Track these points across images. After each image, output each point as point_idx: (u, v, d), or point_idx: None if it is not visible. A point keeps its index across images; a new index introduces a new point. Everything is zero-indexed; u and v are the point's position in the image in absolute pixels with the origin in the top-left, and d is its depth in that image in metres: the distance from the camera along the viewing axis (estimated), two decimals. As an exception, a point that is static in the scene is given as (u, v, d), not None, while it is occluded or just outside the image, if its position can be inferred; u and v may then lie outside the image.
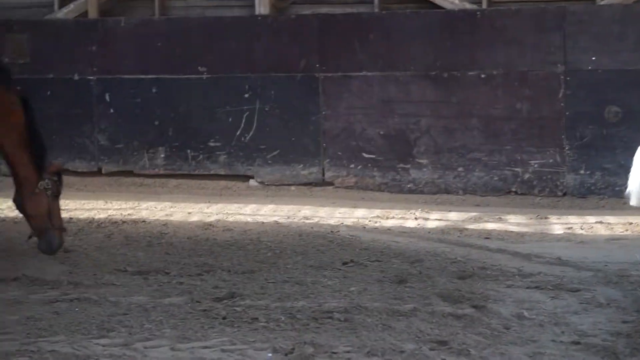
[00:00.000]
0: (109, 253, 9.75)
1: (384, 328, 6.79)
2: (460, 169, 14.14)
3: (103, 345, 6.34)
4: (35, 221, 9.25)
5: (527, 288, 8.23)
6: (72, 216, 12.17)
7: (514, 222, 12.13)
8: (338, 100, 14.43)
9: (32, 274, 8.53)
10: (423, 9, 14.84)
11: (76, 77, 15.08)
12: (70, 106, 15.11)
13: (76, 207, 13.07)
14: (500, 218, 12.31)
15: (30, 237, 9.40)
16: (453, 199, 13.90)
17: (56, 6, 16.25)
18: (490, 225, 11.80)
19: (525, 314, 7.27)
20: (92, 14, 15.85)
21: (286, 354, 6.15)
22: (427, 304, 7.49)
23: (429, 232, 11.30)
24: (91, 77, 15.07)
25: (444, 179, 14.22)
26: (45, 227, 9.23)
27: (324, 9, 15.37)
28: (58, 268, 8.91)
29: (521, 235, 11.18)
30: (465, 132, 14.14)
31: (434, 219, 12.33)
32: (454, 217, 12.48)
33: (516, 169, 13.94)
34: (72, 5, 16.08)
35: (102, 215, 12.27)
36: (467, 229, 11.52)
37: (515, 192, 13.94)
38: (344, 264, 9.16)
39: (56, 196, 9.35)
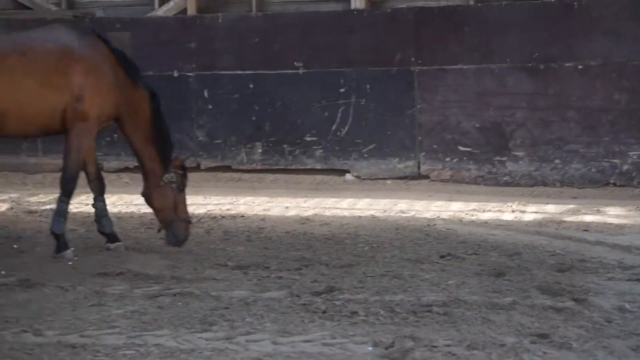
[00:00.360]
0: (209, 248, 9.86)
1: (484, 321, 6.77)
2: (557, 161, 14.01)
3: (206, 339, 6.41)
4: (161, 214, 9.57)
5: (628, 280, 8.14)
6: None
7: (613, 214, 11.98)
8: (433, 93, 14.41)
9: (136, 268, 8.65)
10: (519, 1, 14.73)
11: (175, 73, 15.30)
12: (169, 102, 15.22)
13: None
14: (598, 210, 12.17)
15: (159, 230, 9.68)
16: (550, 192, 13.78)
17: (156, 4, 16.64)
18: (589, 218, 11.68)
19: (627, 306, 7.18)
20: (191, 11, 16.14)
21: (386, 348, 6.16)
22: (527, 297, 7.44)
23: (527, 225, 11.22)
24: (190, 74, 15.28)
25: (541, 171, 14.10)
26: (171, 220, 9.51)
27: (420, 2, 15.41)
28: (160, 263, 9.04)
29: (620, 227, 11.03)
30: (562, 124, 14.00)
31: (531, 211, 12.22)
32: (552, 209, 12.35)
33: (614, 161, 13.76)
34: (171, 3, 16.43)
35: (201, 211, 12.39)
36: (565, 222, 11.41)
37: (614, 184, 13.77)
38: (442, 257, 9.17)
39: (181, 189, 9.59)
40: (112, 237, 9.69)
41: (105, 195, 9.77)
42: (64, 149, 9.42)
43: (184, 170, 9.68)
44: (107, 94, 9.35)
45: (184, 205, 9.63)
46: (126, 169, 15.67)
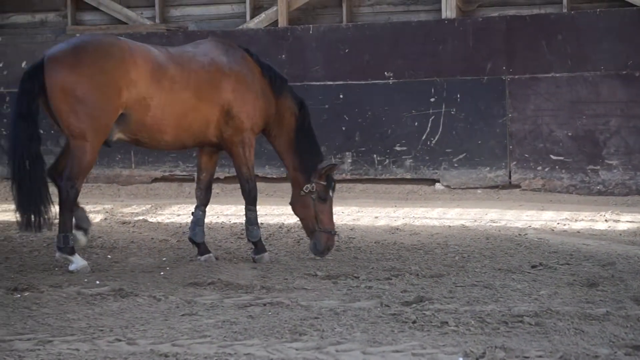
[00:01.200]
0: (298, 258, 9.90)
1: (577, 332, 6.66)
2: (652, 169, 13.84)
3: (296, 349, 6.40)
4: (304, 223, 9.82)
5: None
6: (262, 221, 12.37)
7: None
8: (525, 102, 14.32)
9: (227, 278, 8.70)
10: (614, 7, 14.58)
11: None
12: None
13: (266, 212, 13.34)
14: (694, 219, 11.96)
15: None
16: (645, 201, 13.59)
17: (248, 16, 16.80)
18: (685, 227, 11.47)
19: None
20: (282, 23, 16.28)
21: (477, 358, 6.09)
22: (621, 307, 7.32)
23: (621, 235, 11.08)
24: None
25: (635, 180, 13.92)
26: (313, 229, 9.68)
27: (511, 11, 15.34)
28: (251, 273, 9.08)
29: None
30: (659, 132, 13.83)
31: (625, 221, 12.08)
32: (646, 219, 12.19)
33: None
34: (263, 15, 16.63)
35: (291, 221, 12.35)
36: (661, 231, 11.23)
37: None
38: (533, 267, 9.08)
39: (324, 200, 9.70)
40: (202, 249, 9.77)
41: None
42: (234, 165, 9.80)
43: (328, 182, 9.75)
44: (256, 106, 9.57)
45: (327, 216, 9.72)
46: (217, 179, 15.80)
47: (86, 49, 9.10)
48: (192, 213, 9.88)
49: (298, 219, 9.97)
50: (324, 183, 9.70)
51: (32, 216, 8.93)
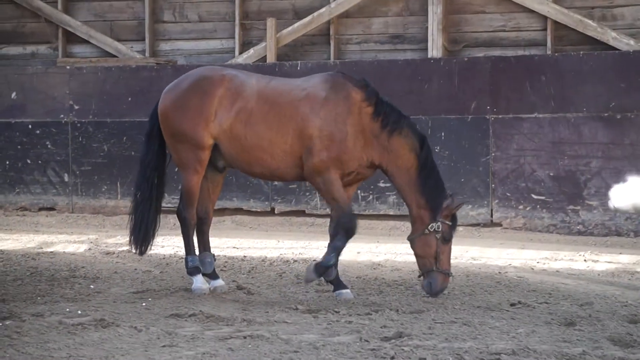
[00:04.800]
0: (280, 291, 9.93)
1: (553, 371, 6.70)
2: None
3: (274, 381, 6.49)
4: (422, 261, 9.60)
5: (702, 334, 7.97)
6: (245, 255, 12.54)
7: (687, 265, 11.83)
8: (508, 141, 14.46)
9: (208, 310, 8.71)
10: (597, 51, 14.77)
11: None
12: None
13: (249, 245, 13.43)
14: (672, 261, 12.02)
15: (420, 276, 9.74)
16: (624, 242, 13.70)
17: (237, 52, 17.02)
18: (663, 269, 11.54)
19: (700, 361, 7.04)
20: (270, 58, 16.48)
21: (454, 394, 6.17)
22: (597, 347, 7.36)
23: (599, 275, 11.14)
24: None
25: (615, 221, 14.03)
26: (430, 269, 9.53)
27: (496, 52, 15.52)
28: (232, 305, 9.10)
29: (695, 279, 10.88)
30: (637, 173, 13.91)
31: (604, 261, 12.13)
32: (625, 259, 12.25)
33: (689, 212, 13.66)
34: (252, 51, 16.86)
35: (274, 254, 12.51)
36: (638, 272, 11.29)
37: (690, 235, 13.68)
38: (512, 305, 9.10)
39: (447, 240, 9.56)
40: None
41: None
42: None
43: (453, 222, 9.60)
44: (345, 144, 9.44)
45: (447, 256, 9.58)
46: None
47: None
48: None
49: (417, 255, 9.65)
50: (450, 223, 9.54)
51: None
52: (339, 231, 9.56)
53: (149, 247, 10.07)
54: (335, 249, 9.54)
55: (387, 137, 9.48)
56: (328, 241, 9.78)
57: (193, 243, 9.97)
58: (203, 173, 9.78)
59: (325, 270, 9.52)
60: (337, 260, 9.59)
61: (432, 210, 9.47)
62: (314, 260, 9.89)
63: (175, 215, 10.08)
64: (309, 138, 9.43)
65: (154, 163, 9.98)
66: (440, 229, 9.46)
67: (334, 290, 9.64)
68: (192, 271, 9.88)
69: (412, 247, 9.68)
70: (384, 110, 9.56)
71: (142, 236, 9.97)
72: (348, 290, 9.59)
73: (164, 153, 10.02)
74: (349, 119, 9.46)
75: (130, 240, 10.07)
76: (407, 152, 9.53)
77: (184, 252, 10.03)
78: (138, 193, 10.03)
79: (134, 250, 10.12)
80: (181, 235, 10.03)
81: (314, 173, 9.49)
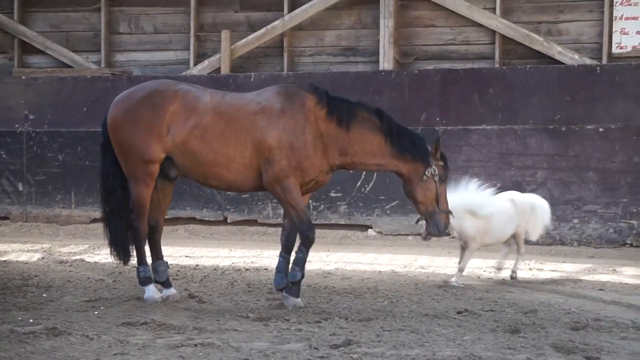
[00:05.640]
0: (231, 300, 9.98)
1: (496, 377, 6.81)
2: (575, 220, 14.20)
3: (224, 390, 6.53)
4: (423, 207, 9.80)
5: (642, 340, 8.15)
6: (197, 263, 12.60)
7: (629, 274, 12.06)
8: (457, 152, 14.63)
9: (160, 318, 8.74)
10: (543, 64, 15.02)
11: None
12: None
13: (202, 254, 13.50)
14: (614, 270, 12.28)
15: (418, 220, 10.15)
16: (567, 251, 13.96)
17: (192, 63, 17.12)
18: (605, 277, 11.78)
19: (639, 366, 7.21)
20: (225, 70, 16.58)
21: (399, 401, 6.27)
22: (540, 354, 7.51)
23: (543, 283, 11.33)
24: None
25: (559, 231, 14.27)
26: (432, 212, 9.76)
27: (446, 65, 15.72)
28: (184, 313, 9.15)
29: (636, 287, 11.11)
30: (581, 184, 14.20)
31: (548, 269, 12.34)
32: (569, 268, 12.48)
33: (632, 222, 13.94)
34: (206, 62, 16.99)
35: (226, 263, 12.57)
36: (581, 280, 11.52)
37: (631, 244, 13.94)
38: (459, 313, 9.25)
39: (443, 180, 9.82)
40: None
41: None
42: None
43: (444, 161, 9.87)
44: (305, 152, 9.55)
45: (444, 196, 9.83)
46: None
47: None
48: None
49: (418, 202, 9.81)
50: (442, 163, 9.83)
51: None
52: (300, 242, 9.69)
53: (129, 256, 10.04)
54: (299, 262, 9.65)
55: (346, 133, 9.65)
56: (280, 250, 9.88)
57: (145, 253, 9.96)
58: (153, 185, 9.77)
59: (298, 286, 9.67)
60: (303, 272, 9.69)
61: (421, 159, 9.73)
62: (283, 290, 9.80)
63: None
64: (269, 149, 9.50)
65: (113, 172, 9.92)
66: (436, 172, 9.74)
67: (285, 292, 9.68)
68: (144, 281, 9.90)
69: (412, 196, 9.83)
70: (336, 107, 9.70)
71: (121, 246, 9.97)
72: (299, 300, 9.63)
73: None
74: (307, 127, 9.57)
75: (111, 252, 10.08)
76: (371, 134, 9.70)
77: (136, 262, 10.02)
78: (105, 206, 10.00)
79: (117, 261, 10.12)
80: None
81: (274, 182, 9.56)
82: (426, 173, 9.70)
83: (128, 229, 9.95)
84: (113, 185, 9.94)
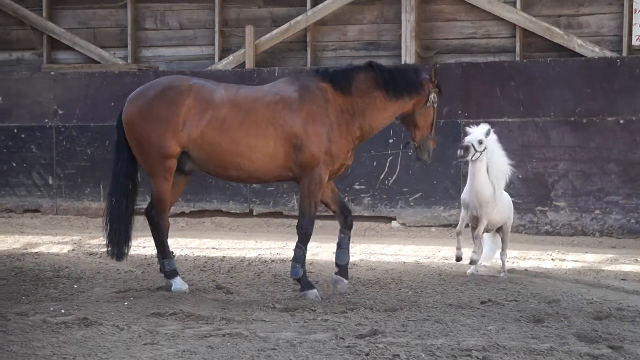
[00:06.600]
0: (258, 290, 10.07)
1: (522, 366, 6.88)
2: (597, 211, 14.26)
3: (253, 378, 6.59)
4: (420, 132, 10.11)
5: (664, 329, 8.19)
6: (224, 255, 12.72)
7: (651, 264, 12.10)
8: (479, 145, 14.68)
9: (188, 309, 8.81)
10: (563, 57, 15.09)
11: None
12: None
13: (229, 246, 13.62)
14: (636, 260, 12.34)
15: (406, 145, 10.59)
16: (589, 241, 14.03)
17: (217, 58, 17.27)
18: (627, 267, 11.84)
19: (663, 355, 7.26)
20: (249, 64, 16.75)
21: (425, 389, 6.31)
22: (564, 343, 7.58)
23: (566, 273, 11.40)
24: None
25: (581, 221, 14.35)
26: (426, 137, 10.12)
27: (467, 58, 15.79)
28: (212, 304, 9.23)
29: (658, 277, 11.14)
30: (602, 176, 14.25)
31: (571, 260, 12.40)
32: (591, 258, 12.54)
33: (653, 212, 14.04)
34: (231, 57, 17.16)
35: (252, 255, 12.67)
36: (603, 271, 11.58)
37: (652, 235, 14.03)
38: (482, 303, 9.33)
39: (438, 105, 10.19)
40: (342, 271, 9.99)
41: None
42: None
43: (440, 88, 10.20)
44: (332, 135, 9.74)
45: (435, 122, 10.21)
46: (181, 214, 16.13)
47: None
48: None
49: (417, 127, 10.11)
50: (438, 89, 10.15)
51: None
52: (298, 238, 9.82)
53: (126, 253, 10.10)
54: (299, 259, 9.79)
55: (354, 99, 9.85)
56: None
57: (168, 247, 10.06)
58: (172, 180, 9.84)
59: (307, 280, 9.80)
60: (304, 266, 9.83)
61: (420, 91, 10.00)
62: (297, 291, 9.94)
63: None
64: (295, 136, 9.61)
65: (125, 171, 10.00)
66: (435, 99, 10.08)
67: (300, 290, 9.80)
68: (170, 274, 9.99)
69: (413, 122, 10.07)
70: (337, 79, 9.88)
71: (116, 243, 10.01)
72: (314, 291, 9.73)
73: (134, 160, 10.01)
74: (330, 109, 9.74)
75: (107, 246, 10.12)
76: (374, 90, 9.89)
77: (160, 256, 10.07)
78: (113, 200, 10.03)
79: (111, 257, 10.16)
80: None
81: (305, 168, 9.67)
82: (428, 101, 10.01)
83: (129, 230, 10.04)
84: (124, 182, 10.01)
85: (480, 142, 10.81)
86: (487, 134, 10.94)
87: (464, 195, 11.11)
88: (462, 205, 11.23)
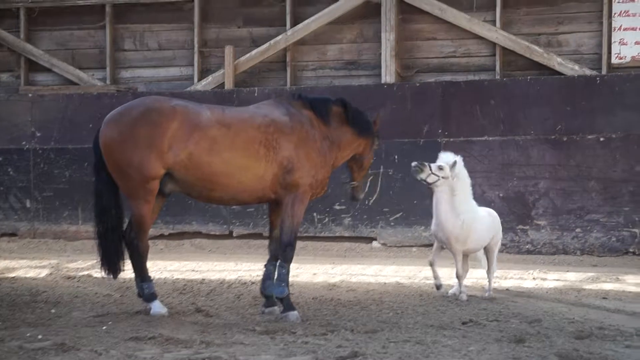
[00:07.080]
0: (238, 313, 10.02)
1: (502, 387, 6.85)
2: (578, 230, 14.28)
3: (232, 404, 6.54)
4: (362, 172, 10.71)
5: (646, 348, 8.17)
6: (204, 277, 12.66)
7: (632, 282, 12.11)
8: (459, 164, 14.69)
9: (167, 333, 8.74)
10: (543, 75, 15.12)
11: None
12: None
13: (208, 268, 13.55)
14: (617, 278, 12.34)
15: (347, 184, 10.90)
16: (570, 260, 14.03)
17: (196, 79, 17.21)
18: (608, 286, 11.83)
19: (644, 375, 7.24)
20: (228, 85, 16.72)
21: (405, 411, 6.31)
22: (545, 363, 7.51)
23: (547, 292, 11.39)
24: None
25: (562, 240, 14.36)
26: (365, 177, 10.75)
27: (447, 77, 15.80)
28: (191, 327, 9.15)
29: (639, 295, 11.16)
30: (583, 194, 14.29)
31: (552, 279, 12.40)
32: (572, 277, 12.54)
33: (634, 230, 14.02)
34: (210, 78, 17.09)
35: (232, 277, 12.62)
36: (584, 289, 11.58)
37: (633, 253, 14.02)
38: (464, 323, 9.29)
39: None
40: (270, 302, 10.02)
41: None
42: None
43: (378, 133, 10.73)
44: (320, 158, 9.96)
45: None
46: (160, 236, 16.06)
47: None
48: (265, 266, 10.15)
49: (358, 171, 10.72)
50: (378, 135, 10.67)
51: None
52: (281, 257, 9.80)
53: (119, 271, 10.00)
54: (283, 277, 9.76)
55: (332, 129, 10.13)
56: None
57: (147, 270, 9.96)
58: (153, 201, 9.70)
59: (289, 300, 9.76)
60: (288, 288, 9.80)
61: (373, 134, 10.49)
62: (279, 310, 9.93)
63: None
64: (287, 159, 9.67)
65: (107, 192, 9.84)
66: (378, 142, 10.63)
67: (282, 312, 9.76)
68: (149, 297, 9.90)
69: (361, 165, 10.64)
70: (317, 108, 10.10)
71: (113, 263, 9.90)
72: (296, 312, 9.69)
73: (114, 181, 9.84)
74: (316, 134, 9.92)
75: (102, 267, 9.99)
76: (343, 123, 10.23)
77: (138, 279, 9.95)
78: (100, 226, 9.90)
79: (107, 275, 10.03)
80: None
81: (290, 189, 9.73)
82: (374, 145, 10.54)
83: (121, 247, 9.89)
84: (107, 204, 9.85)
85: (441, 168, 10.77)
86: (453, 165, 10.85)
87: (433, 227, 11.04)
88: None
